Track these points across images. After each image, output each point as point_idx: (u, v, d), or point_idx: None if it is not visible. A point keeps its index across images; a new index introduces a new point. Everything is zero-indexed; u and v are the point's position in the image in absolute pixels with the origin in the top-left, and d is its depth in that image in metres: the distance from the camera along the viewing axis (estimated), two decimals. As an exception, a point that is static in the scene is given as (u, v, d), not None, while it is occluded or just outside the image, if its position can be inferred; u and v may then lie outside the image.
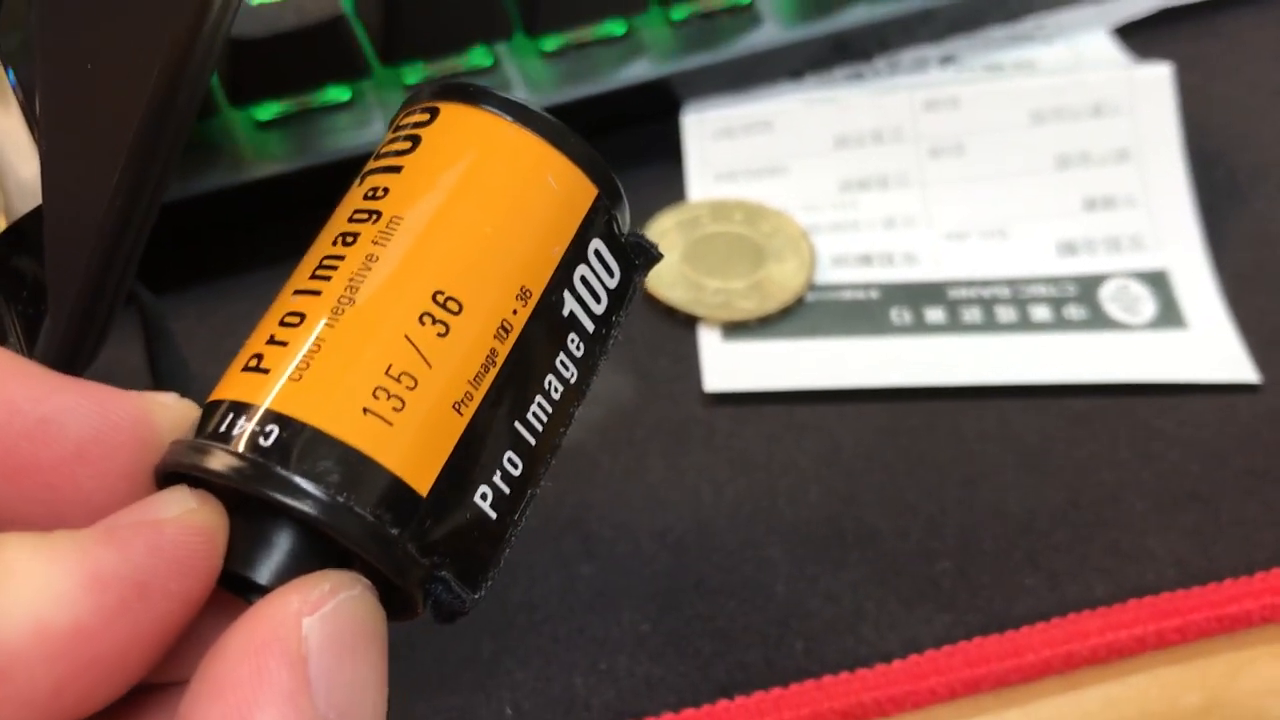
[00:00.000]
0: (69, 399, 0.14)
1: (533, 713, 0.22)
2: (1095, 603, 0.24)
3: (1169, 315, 0.28)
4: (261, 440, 0.14)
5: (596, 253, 0.17)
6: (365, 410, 0.14)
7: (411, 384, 0.15)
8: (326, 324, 0.15)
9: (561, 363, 0.16)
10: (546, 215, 0.16)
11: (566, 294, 0.16)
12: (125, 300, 0.19)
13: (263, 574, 0.14)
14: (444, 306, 0.15)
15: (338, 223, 0.16)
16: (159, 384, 0.25)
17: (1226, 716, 0.23)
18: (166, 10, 0.17)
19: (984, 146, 0.31)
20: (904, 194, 0.31)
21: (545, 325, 0.16)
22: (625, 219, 0.17)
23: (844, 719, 0.22)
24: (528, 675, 0.23)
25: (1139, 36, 0.35)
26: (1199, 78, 0.34)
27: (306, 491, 0.14)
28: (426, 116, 0.16)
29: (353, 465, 0.14)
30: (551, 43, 0.31)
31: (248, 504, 0.14)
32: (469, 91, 0.16)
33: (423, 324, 0.15)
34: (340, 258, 0.15)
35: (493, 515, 0.15)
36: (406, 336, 0.15)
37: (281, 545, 0.14)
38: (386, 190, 0.16)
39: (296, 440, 0.14)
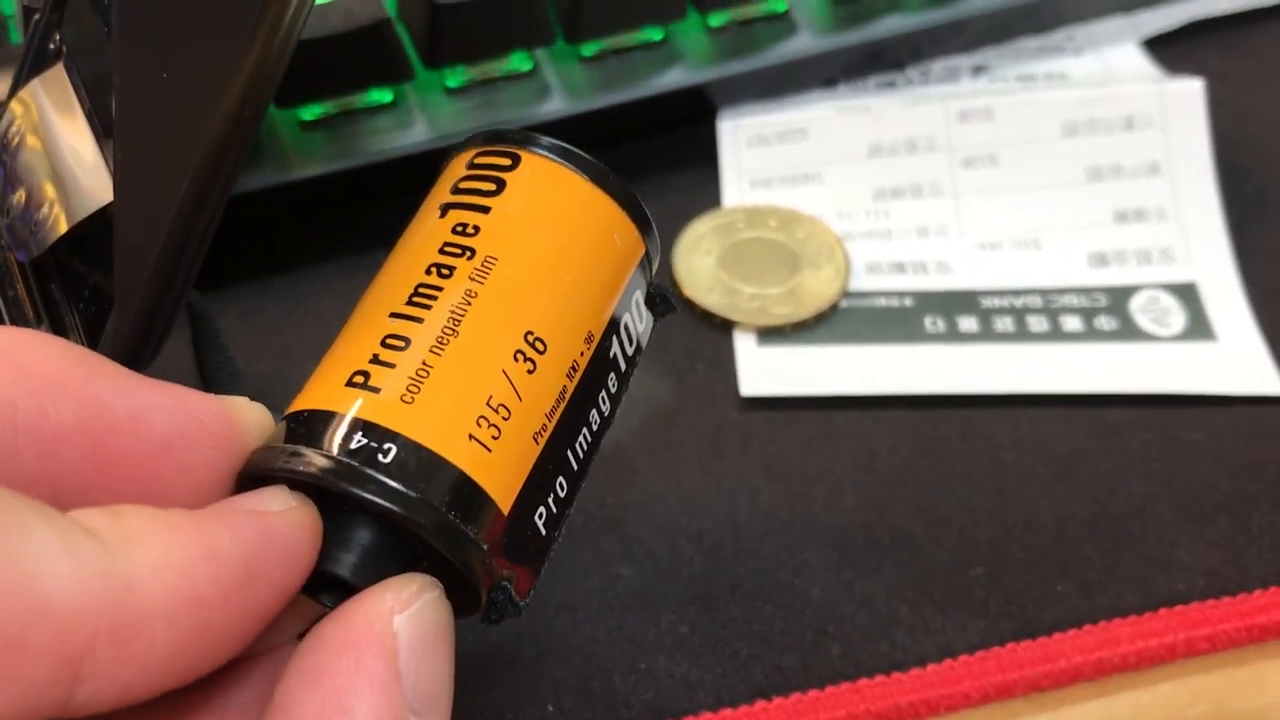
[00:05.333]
0: (155, 396, 0.15)
1: (574, 711, 0.23)
2: (1126, 611, 0.24)
3: (1198, 327, 0.29)
4: (381, 456, 0.15)
5: (636, 302, 0.18)
6: (470, 436, 0.16)
7: (506, 415, 0.16)
8: (432, 351, 0.16)
9: (602, 398, 0.18)
10: (610, 268, 0.18)
11: (614, 338, 0.18)
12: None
13: (353, 573, 0.16)
14: (533, 346, 0.16)
15: (426, 251, 0.17)
16: (206, 382, 0.25)
17: (1254, 725, 0.23)
18: (241, 27, 0.17)
19: (1017, 157, 0.31)
20: (937, 203, 0.31)
21: (598, 366, 0.17)
22: (655, 270, 0.19)
23: (880, 722, 0.23)
24: (568, 674, 0.23)
25: (1168, 49, 0.35)
26: (1228, 92, 0.34)
27: (426, 508, 0.15)
28: (508, 161, 0.18)
29: (458, 485, 0.15)
30: (590, 48, 0.32)
31: (335, 509, 0.15)
32: (550, 146, 0.18)
33: (516, 361, 0.16)
34: (439, 289, 0.16)
35: (544, 532, 0.17)
36: (504, 371, 0.16)
37: (367, 549, 0.16)
38: (477, 229, 0.17)
39: (413, 459, 0.15)
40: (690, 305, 0.29)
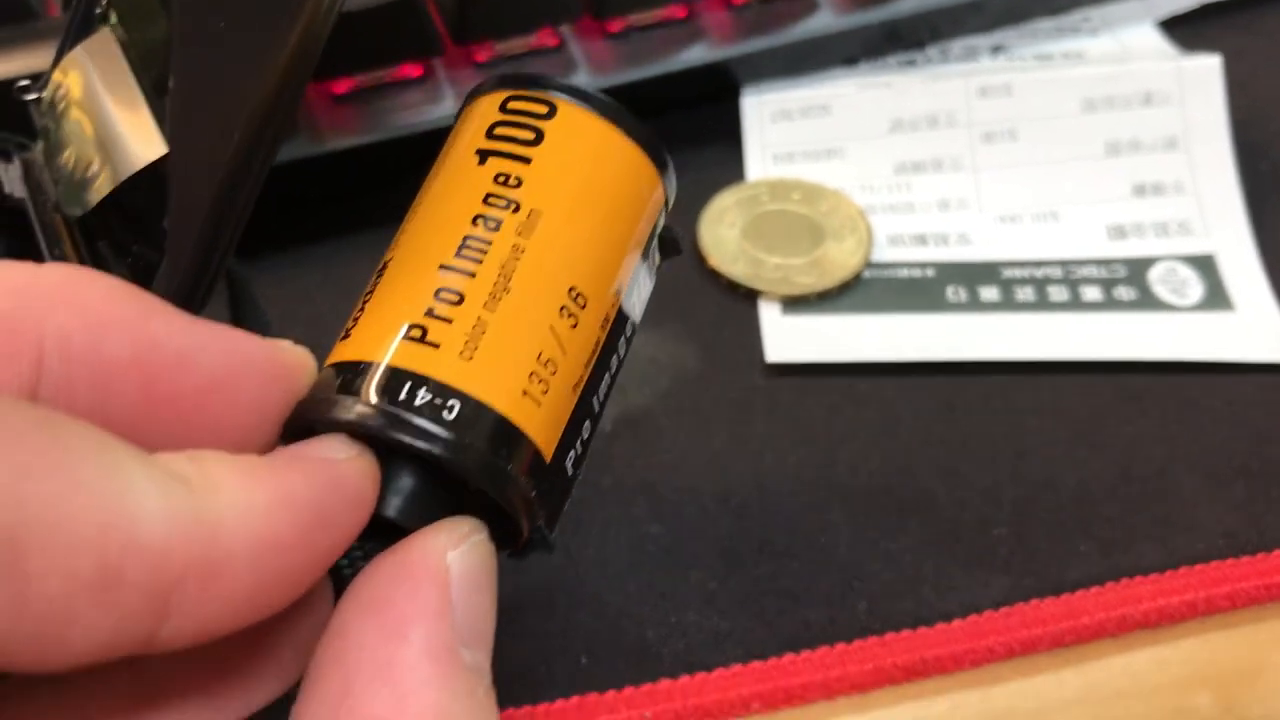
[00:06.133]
0: (205, 336, 0.16)
1: (607, 661, 0.23)
2: (1147, 569, 0.24)
3: (1216, 298, 0.29)
4: (446, 413, 0.16)
5: (652, 250, 0.19)
6: (524, 392, 0.16)
7: (553, 370, 0.17)
8: (486, 307, 0.16)
9: (619, 345, 0.18)
10: (639, 220, 0.18)
11: (633, 288, 0.18)
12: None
13: (404, 516, 0.16)
14: (575, 301, 0.17)
15: (469, 201, 0.17)
16: (244, 344, 0.26)
17: (1272, 680, 0.24)
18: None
19: (1036, 132, 0.32)
20: (957, 177, 0.31)
21: (620, 316, 0.18)
22: (669, 212, 0.19)
23: (907, 674, 0.23)
24: (601, 626, 0.24)
25: (1183, 30, 0.36)
26: (1243, 71, 0.34)
27: (491, 464, 0.16)
28: (544, 109, 0.18)
29: (514, 439, 0.16)
30: (616, 25, 0.32)
31: (394, 458, 0.16)
32: (583, 95, 0.18)
33: (561, 316, 0.17)
34: (488, 242, 0.17)
35: (570, 472, 0.17)
36: (551, 327, 0.17)
37: (417, 493, 0.16)
38: (520, 180, 0.17)
39: (475, 415, 0.16)
40: (715, 275, 0.30)
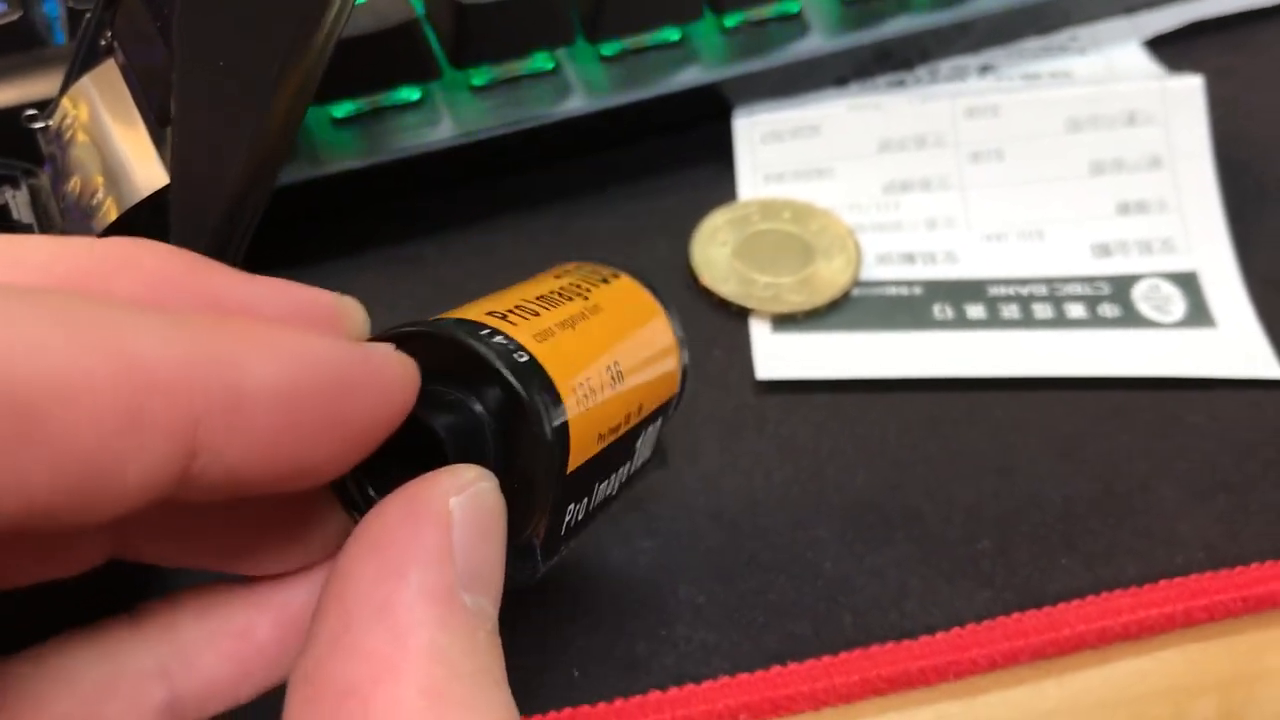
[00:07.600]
0: (262, 287, 0.16)
1: (598, 675, 0.24)
2: (1128, 582, 0.25)
3: (1198, 315, 0.30)
4: (516, 356, 0.17)
5: (652, 428, 0.21)
6: (574, 389, 0.18)
7: (597, 400, 0.18)
8: (560, 326, 0.19)
9: (616, 474, 0.20)
10: (660, 376, 0.21)
11: (640, 435, 0.20)
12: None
13: (443, 437, 0.17)
14: (617, 372, 0.19)
15: (546, 288, 0.20)
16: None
17: (1251, 691, 0.24)
18: (290, 18, 0.18)
19: (1022, 152, 0.32)
20: (945, 196, 0.32)
21: (629, 439, 0.20)
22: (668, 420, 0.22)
23: (891, 686, 0.23)
24: (592, 641, 0.24)
25: (1170, 49, 0.36)
26: (1228, 89, 0.35)
27: (539, 401, 0.17)
28: (613, 275, 0.21)
29: (560, 414, 0.17)
30: (611, 48, 0.33)
31: (449, 397, 0.17)
32: (644, 281, 0.22)
33: (606, 372, 0.19)
34: (566, 298, 0.20)
35: (562, 531, 0.19)
36: (598, 368, 0.19)
37: (455, 431, 0.17)
38: (589, 292, 0.20)
39: (537, 371, 0.17)
40: (707, 294, 0.30)
